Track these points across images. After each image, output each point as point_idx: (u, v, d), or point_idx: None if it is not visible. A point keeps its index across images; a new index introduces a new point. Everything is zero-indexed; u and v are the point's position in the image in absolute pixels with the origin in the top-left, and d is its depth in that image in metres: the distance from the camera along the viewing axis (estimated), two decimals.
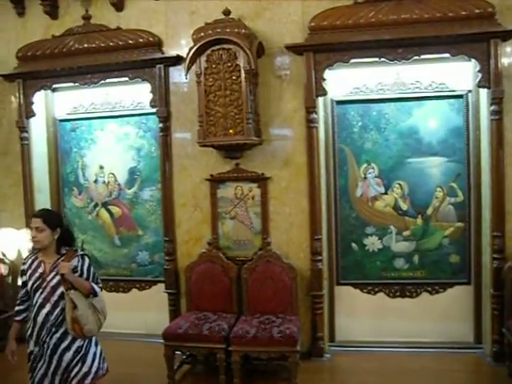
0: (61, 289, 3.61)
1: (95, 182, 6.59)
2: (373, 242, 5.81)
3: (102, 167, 6.54)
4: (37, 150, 6.56)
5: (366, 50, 5.27)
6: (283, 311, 5.32)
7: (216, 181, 5.74)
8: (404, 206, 5.73)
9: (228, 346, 4.89)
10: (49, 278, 3.66)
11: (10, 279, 6.44)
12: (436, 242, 5.71)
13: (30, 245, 6.42)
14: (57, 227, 3.71)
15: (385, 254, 5.80)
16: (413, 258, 5.76)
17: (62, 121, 6.72)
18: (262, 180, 5.63)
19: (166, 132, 5.86)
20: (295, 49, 5.43)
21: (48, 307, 3.62)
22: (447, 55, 5.20)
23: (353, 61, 5.35)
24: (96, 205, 6.62)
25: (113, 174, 6.49)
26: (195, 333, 4.97)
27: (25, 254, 6.48)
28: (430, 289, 5.75)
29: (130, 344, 6.30)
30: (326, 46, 5.29)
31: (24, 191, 6.48)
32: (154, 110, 5.93)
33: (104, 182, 6.55)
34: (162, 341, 5.17)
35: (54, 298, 3.63)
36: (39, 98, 6.48)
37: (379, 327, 5.86)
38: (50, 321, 3.62)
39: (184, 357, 5.48)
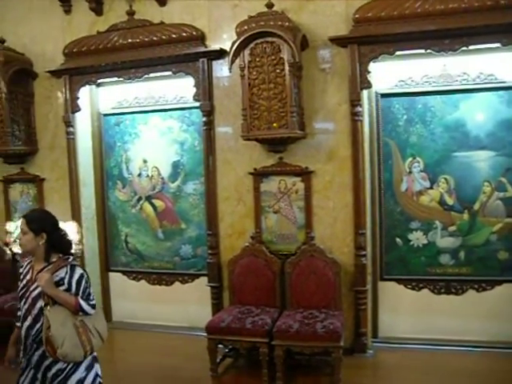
0: (41, 302, 3.20)
1: (139, 175, 6.66)
2: (417, 237, 5.71)
3: (145, 161, 6.60)
4: (82, 144, 6.67)
5: (412, 41, 5.14)
6: (326, 306, 5.29)
7: (259, 175, 5.73)
8: (450, 201, 5.61)
9: (271, 341, 4.88)
10: (31, 288, 3.28)
11: None
12: (483, 238, 5.57)
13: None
14: (41, 232, 3.27)
15: (430, 250, 5.69)
16: (458, 254, 5.62)
17: (106, 115, 6.82)
18: (305, 174, 5.58)
19: (209, 126, 5.87)
20: (339, 41, 5.35)
21: (29, 320, 3.26)
22: (497, 45, 5.02)
23: (398, 53, 5.24)
24: (140, 198, 6.69)
25: (156, 167, 6.54)
26: (238, 326, 4.98)
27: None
28: (476, 286, 5.60)
29: (172, 337, 6.37)
30: (371, 37, 5.19)
31: (70, 185, 6.61)
32: (197, 104, 5.96)
33: (148, 175, 6.61)
34: (203, 334, 5.20)
35: (35, 311, 3.25)
36: (84, 93, 6.57)
37: (424, 324, 5.75)
38: (31, 336, 3.25)
39: (226, 350, 5.50)
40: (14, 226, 6.92)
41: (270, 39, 5.15)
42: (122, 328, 6.76)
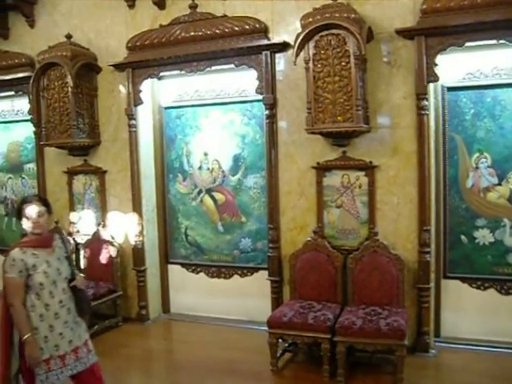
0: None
1: (199, 168, 6.70)
2: (484, 235, 5.53)
3: (206, 154, 6.63)
4: (143, 136, 6.76)
5: (484, 32, 4.94)
6: (389, 303, 5.19)
7: (322, 169, 5.66)
8: None
9: (333, 337, 4.82)
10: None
11: (118, 261, 6.67)
12: None
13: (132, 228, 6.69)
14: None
15: (497, 248, 5.49)
16: None
17: (167, 108, 6.87)
18: (369, 168, 5.49)
19: (272, 119, 5.84)
20: (406, 33, 5.22)
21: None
22: None
23: (466, 44, 5.06)
24: (200, 191, 6.72)
25: (217, 160, 6.56)
26: (300, 321, 4.95)
27: (132, 237, 6.72)
28: None
29: (230, 330, 6.39)
30: (439, 29, 5.03)
31: (131, 177, 6.70)
32: (258, 97, 5.94)
33: (208, 168, 6.64)
34: (262, 328, 5.20)
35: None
36: (146, 87, 6.64)
37: (490, 325, 5.55)
38: None
39: (286, 345, 5.46)
40: (78, 217, 7.11)
41: (335, 31, 5.08)
42: (180, 320, 6.85)
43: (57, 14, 7.14)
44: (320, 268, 5.49)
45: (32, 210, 3.63)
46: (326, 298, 5.41)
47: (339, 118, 5.09)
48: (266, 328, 5.15)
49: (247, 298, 6.52)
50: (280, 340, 5.21)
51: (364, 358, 5.18)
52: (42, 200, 3.79)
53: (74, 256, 3.89)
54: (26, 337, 3.49)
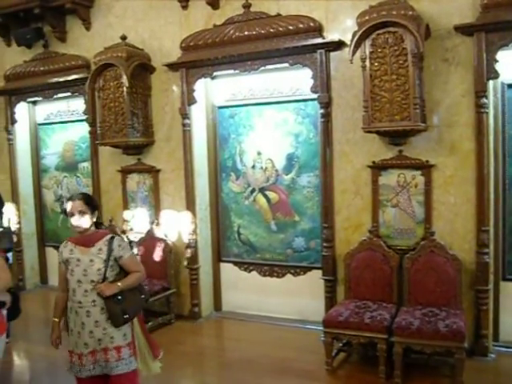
0: None
1: (253, 167, 6.71)
2: None
3: (259, 153, 6.63)
4: (197, 136, 6.81)
5: None
6: (446, 304, 5.09)
7: (378, 167, 5.60)
8: None
9: (390, 337, 4.77)
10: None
11: (171, 259, 6.75)
12: None
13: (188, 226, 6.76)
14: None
15: None
16: None
17: (220, 107, 6.91)
18: (426, 168, 5.40)
19: (326, 118, 5.81)
20: (465, 29, 5.11)
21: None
22: None
23: None
24: (253, 190, 6.74)
25: (270, 159, 6.56)
26: (357, 321, 4.91)
27: (185, 235, 6.79)
28: None
29: (282, 328, 6.38)
30: (502, 24, 4.90)
31: (185, 176, 6.77)
32: (312, 96, 5.93)
33: (261, 167, 6.64)
34: (314, 327, 5.18)
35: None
36: (199, 86, 6.69)
37: None
38: None
39: (340, 345, 5.42)
40: (131, 215, 7.22)
41: (392, 29, 5.01)
42: (232, 318, 6.87)
43: (112, 16, 7.30)
44: (375, 267, 5.43)
45: (73, 208, 3.62)
46: (382, 297, 5.35)
47: (396, 116, 5.03)
48: (318, 327, 5.15)
49: (300, 297, 6.50)
50: (334, 340, 5.17)
51: (421, 359, 5.09)
52: (86, 198, 3.73)
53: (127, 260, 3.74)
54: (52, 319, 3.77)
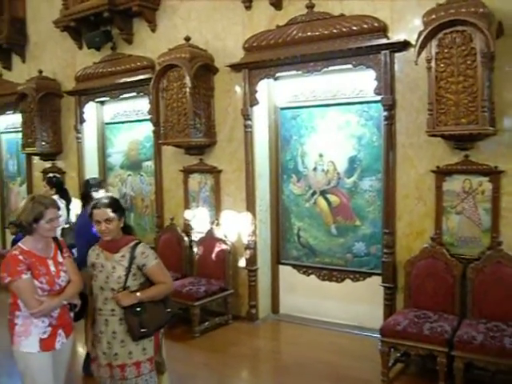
0: None
1: (314, 169, 6.60)
2: None
3: (321, 155, 6.52)
4: (259, 137, 6.79)
5: None
6: None
7: (442, 173, 5.37)
8: None
9: (450, 350, 4.55)
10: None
11: (230, 259, 6.76)
12: None
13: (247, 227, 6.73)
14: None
15: None
16: None
17: (282, 109, 6.85)
18: (494, 174, 5.12)
19: (390, 121, 5.63)
20: None
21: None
22: None
23: None
24: (314, 193, 6.63)
25: (332, 162, 6.43)
26: (415, 331, 4.72)
27: (244, 237, 6.77)
28: None
29: (339, 334, 6.27)
30: None
31: (246, 177, 6.75)
32: (376, 98, 5.76)
33: (323, 170, 6.52)
34: (372, 334, 5.03)
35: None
36: (262, 87, 6.65)
37: None
38: None
39: (398, 355, 5.24)
40: (192, 215, 7.28)
41: (460, 28, 4.79)
42: (288, 321, 6.80)
43: (176, 18, 7.38)
44: (437, 276, 5.21)
45: (99, 216, 3.48)
46: (443, 308, 5.13)
47: (463, 120, 4.81)
48: (376, 335, 4.99)
49: (358, 303, 6.35)
50: (392, 349, 5.01)
51: (485, 376, 4.80)
52: (113, 205, 3.56)
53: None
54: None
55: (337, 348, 5.85)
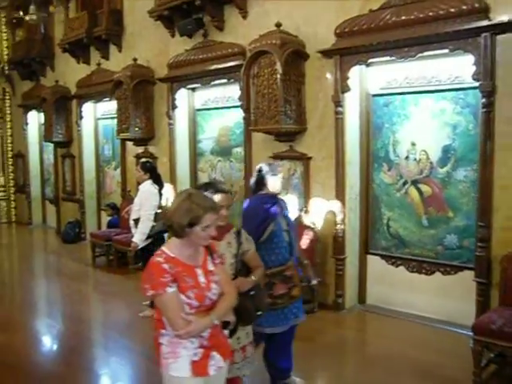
0: None
1: (406, 158, 6.39)
2: None
3: (413, 144, 6.30)
4: (349, 124, 6.66)
5: None
6: None
7: None
8: None
9: None
10: None
11: (318, 248, 6.74)
12: None
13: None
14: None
15: None
16: None
17: (374, 96, 6.68)
18: None
19: (489, 108, 5.34)
20: None
21: None
22: None
23: None
24: (405, 182, 6.43)
25: (425, 151, 6.20)
26: (511, 331, 4.50)
27: (333, 225, 6.70)
28: None
29: (427, 329, 6.07)
30: None
31: (335, 164, 6.65)
32: (474, 84, 5.48)
33: (415, 159, 6.31)
34: (461, 331, 4.83)
35: None
36: (353, 73, 6.52)
37: None
38: None
39: (492, 355, 4.93)
40: None
41: None
42: (375, 312, 6.68)
43: (268, 3, 7.34)
44: None
45: (224, 201, 3.41)
46: None
47: None
48: (466, 332, 4.79)
49: (448, 298, 6.12)
50: (485, 349, 4.74)
51: None
52: (226, 190, 3.51)
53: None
54: None
55: (424, 343, 5.66)
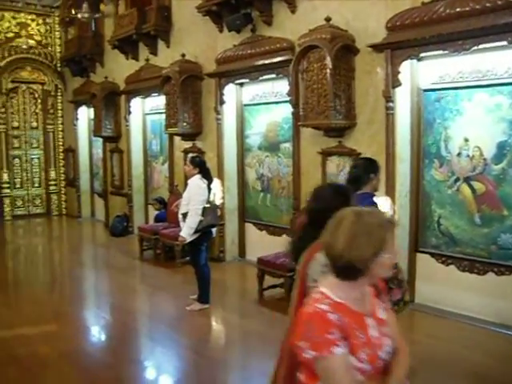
0: None
1: (458, 155, 6.23)
2: None
3: (466, 140, 6.14)
4: (400, 119, 6.54)
5: None
6: None
7: None
8: None
9: None
10: None
11: None
12: None
13: None
14: None
15: None
16: None
17: (426, 90, 6.53)
18: None
19: None
20: None
21: None
22: None
23: None
24: (457, 179, 6.27)
25: (478, 147, 6.03)
26: None
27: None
28: None
29: (478, 330, 5.91)
30: None
31: (386, 160, 6.52)
32: None
33: (468, 155, 6.14)
34: None
35: None
36: (405, 68, 6.40)
37: None
38: None
39: None
40: None
41: None
42: (424, 311, 6.53)
43: None
44: None
45: None
46: None
47: None
48: None
49: (501, 299, 5.94)
50: None
51: None
52: None
53: None
54: None
55: (476, 345, 5.51)
